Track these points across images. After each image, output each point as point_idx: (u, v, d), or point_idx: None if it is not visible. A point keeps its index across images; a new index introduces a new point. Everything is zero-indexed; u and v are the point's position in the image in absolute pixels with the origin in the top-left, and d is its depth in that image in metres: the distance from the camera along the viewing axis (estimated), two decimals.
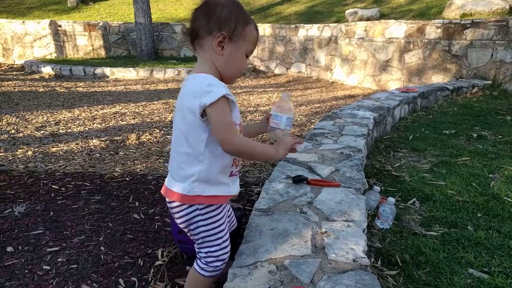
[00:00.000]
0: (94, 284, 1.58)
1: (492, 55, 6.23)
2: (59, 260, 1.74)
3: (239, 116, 1.32)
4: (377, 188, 2.11)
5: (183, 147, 1.25)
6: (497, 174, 2.68)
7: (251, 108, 5.69)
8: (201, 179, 1.25)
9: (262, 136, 3.87)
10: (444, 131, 3.89)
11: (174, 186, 1.29)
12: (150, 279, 1.61)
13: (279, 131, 1.35)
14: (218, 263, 1.31)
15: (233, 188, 1.35)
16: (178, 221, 1.34)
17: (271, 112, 1.39)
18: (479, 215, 2.11)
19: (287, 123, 1.35)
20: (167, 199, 1.34)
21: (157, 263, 1.71)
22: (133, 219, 2.14)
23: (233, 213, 1.60)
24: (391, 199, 1.96)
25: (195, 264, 1.36)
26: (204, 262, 1.32)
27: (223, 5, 1.22)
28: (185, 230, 1.35)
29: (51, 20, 11.12)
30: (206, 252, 1.32)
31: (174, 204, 1.31)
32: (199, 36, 1.24)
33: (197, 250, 1.36)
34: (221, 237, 1.32)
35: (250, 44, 1.29)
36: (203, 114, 1.17)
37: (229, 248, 1.34)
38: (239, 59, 1.28)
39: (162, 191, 1.37)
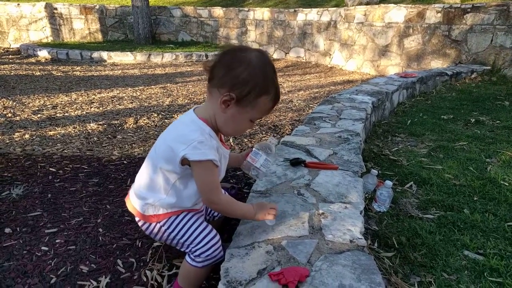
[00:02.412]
0: (92, 265, 1.59)
1: (492, 40, 6.19)
2: (57, 241, 1.75)
3: (224, 173, 1.36)
4: (374, 171, 2.11)
5: (154, 174, 1.28)
6: (494, 159, 2.69)
7: None
8: (157, 204, 1.29)
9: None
10: (442, 116, 3.89)
11: (134, 201, 1.36)
12: (148, 260, 1.62)
13: (252, 169, 1.39)
14: (208, 252, 1.31)
15: (192, 206, 1.38)
16: (150, 235, 1.40)
17: (253, 149, 1.43)
18: (475, 198, 2.12)
19: (263, 164, 1.39)
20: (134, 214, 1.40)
21: (155, 244, 1.72)
22: None
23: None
24: (389, 183, 1.96)
25: (186, 256, 1.37)
26: (193, 256, 1.33)
27: (248, 65, 1.14)
28: (162, 241, 1.41)
29: (46, 3, 10.93)
30: (190, 250, 1.33)
31: (141, 223, 1.37)
32: (212, 82, 1.19)
33: (183, 250, 1.39)
34: (195, 230, 1.33)
35: (258, 113, 1.23)
36: (183, 161, 1.18)
37: (212, 234, 1.34)
38: (241, 123, 1.23)
39: (127, 203, 1.43)
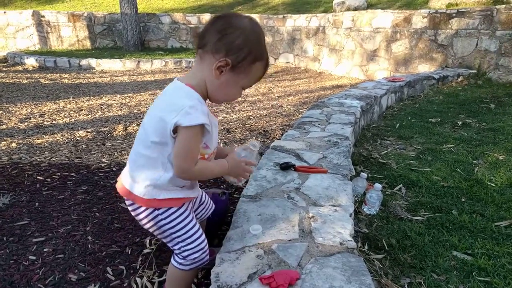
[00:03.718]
0: (81, 273, 1.57)
1: (477, 44, 6.30)
2: (45, 250, 1.72)
3: (216, 142, 1.31)
4: (364, 174, 2.13)
5: (147, 150, 1.21)
6: (481, 160, 2.73)
7: (239, 99, 5.66)
8: (158, 185, 1.22)
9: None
10: (430, 119, 3.94)
11: (130, 186, 1.27)
12: (138, 267, 1.60)
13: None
14: (196, 255, 1.29)
15: (191, 192, 1.33)
16: (140, 222, 1.32)
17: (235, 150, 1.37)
18: (463, 199, 2.15)
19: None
20: (124, 198, 1.31)
21: (145, 251, 1.71)
22: (120, 209, 2.12)
23: (208, 198, 1.58)
24: (378, 185, 1.98)
25: (172, 260, 1.34)
26: (181, 257, 1.30)
27: (242, 31, 1.13)
28: (150, 230, 1.33)
29: (34, 11, 10.85)
30: (179, 248, 1.30)
31: (132, 207, 1.30)
32: (204, 48, 1.16)
33: (171, 247, 1.34)
34: (190, 229, 1.30)
35: (250, 80, 1.22)
36: (175, 130, 1.13)
37: (203, 237, 1.32)
38: (233, 90, 1.22)
39: (118, 187, 1.34)
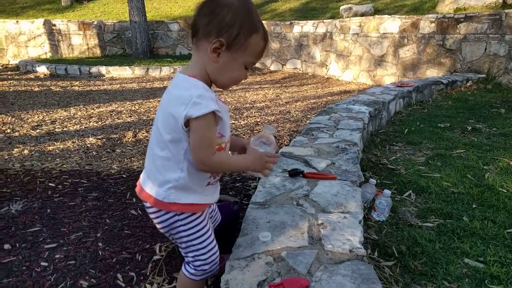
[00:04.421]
0: (92, 280, 1.58)
1: (485, 49, 6.25)
2: (56, 256, 1.74)
3: (229, 129, 1.27)
4: (373, 181, 2.12)
5: (163, 151, 1.18)
6: (492, 166, 2.70)
7: (247, 105, 5.69)
8: (179, 186, 1.19)
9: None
10: (439, 125, 3.92)
11: (150, 189, 1.24)
12: (148, 274, 1.61)
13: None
14: (206, 267, 1.29)
15: (211, 196, 1.30)
16: (157, 226, 1.30)
17: (252, 145, 1.34)
18: (474, 206, 2.13)
19: None
20: (143, 201, 1.29)
21: (155, 257, 1.72)
22: (130, 215, 2.14)
23: (217, 211, 1.58)
24: (387, 192, 1.97)
25: (183, 268, 1.34)
26: (192, 267, 1.30)
27: (230, 8, 1.09)
28: (166, 234, 1.32)
29: (45, 20, 11.05)
30: (193, 256, 1.29)
31: (151, 210, 1.27)
32: (197, 35, 1.14)
33: (183, 254, 1.33)
34: (206, 240, 1.29)
35: (251, 57, 1.16)
36: (187, 123, 1.10)
37: (216, 249, 1.32)
38: (235, 70, 1.16)
39: (137, 191, 1.31)
